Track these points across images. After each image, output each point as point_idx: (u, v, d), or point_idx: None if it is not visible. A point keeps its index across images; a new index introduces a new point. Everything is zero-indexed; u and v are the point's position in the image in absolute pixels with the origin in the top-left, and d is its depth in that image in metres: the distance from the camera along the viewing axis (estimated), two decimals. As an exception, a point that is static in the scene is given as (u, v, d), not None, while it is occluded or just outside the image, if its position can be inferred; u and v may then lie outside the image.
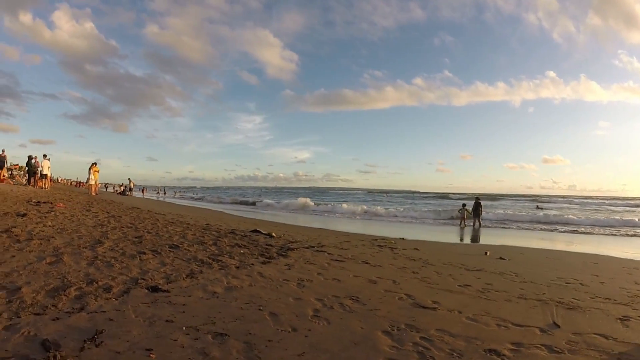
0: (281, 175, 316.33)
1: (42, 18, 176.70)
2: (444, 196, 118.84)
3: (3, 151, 38.92)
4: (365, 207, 49.52)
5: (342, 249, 14.07)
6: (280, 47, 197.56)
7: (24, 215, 14.05)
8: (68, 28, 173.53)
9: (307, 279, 8.88)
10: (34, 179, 37.97)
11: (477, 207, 32.63)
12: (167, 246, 11.26)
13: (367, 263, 11.51)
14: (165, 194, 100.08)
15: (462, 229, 30.65)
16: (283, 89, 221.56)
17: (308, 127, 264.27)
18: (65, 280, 7.18)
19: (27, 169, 39.40)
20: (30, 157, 38.51)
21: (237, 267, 9.47)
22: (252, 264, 9.97)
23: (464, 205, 35.32)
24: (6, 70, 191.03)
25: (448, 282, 9.81)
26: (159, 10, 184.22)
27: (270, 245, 13.36)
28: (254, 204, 62.64)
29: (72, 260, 8.55)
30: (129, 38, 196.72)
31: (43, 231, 11.43)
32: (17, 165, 58.23)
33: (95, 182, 38.94)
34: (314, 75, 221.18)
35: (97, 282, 7.21)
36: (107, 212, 19.15)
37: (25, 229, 11.32)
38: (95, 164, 38.59)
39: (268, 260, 10.73)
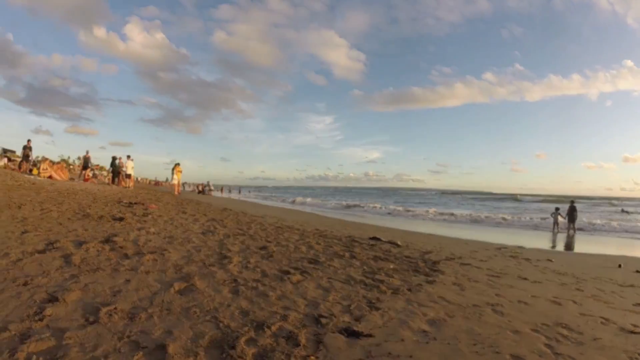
0: (351, 175, 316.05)
1: (115, 31, 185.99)
2: (517, 198, 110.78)
3: (87, 152, 39.81)
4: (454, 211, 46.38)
5: (480, 260, 12.31)
6: (346, 47, 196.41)
7: (121, 219, 12.10)
8: (140, 39, 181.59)
9: (494, 303, 7.19)
10: (118, 178, 38.45)
11: (572, 212, 30.14)
12: (305, 261, 9.16)
13: (524, 279, 9.86)
14: (239, 193, 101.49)
15: (555, 234, 27.75)
16: (351, 89, 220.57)
17: (377, 126, 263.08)
18: (221, 324, 4.91)
19: (111, 169, 39.84)
20: (114, 158, 39.26)
21: (409, 290, 7.52)
22: (420, 285, 8.03)
23: (557, 209, 32.30)
24: (86, 80, 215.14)
25: (620, 300, 8.45)
26: (225, 17, 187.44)
27: (408, 257, 11.38)
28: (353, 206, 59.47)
29: (209, 287, 6.30)
30: (198, 46, 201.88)
31: (150, 241, 9.34)
32: (98, 165, 60.19)
33: (178, 182, 39.17)
34: (381, 74, 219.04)
35: (266, 327, 4.97)
36: (205, 215, 17.28)
37: (128, 238, 9.21)
38: (179, 164, 38.93)
39: (429, 278, 8.78)
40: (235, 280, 6.71)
